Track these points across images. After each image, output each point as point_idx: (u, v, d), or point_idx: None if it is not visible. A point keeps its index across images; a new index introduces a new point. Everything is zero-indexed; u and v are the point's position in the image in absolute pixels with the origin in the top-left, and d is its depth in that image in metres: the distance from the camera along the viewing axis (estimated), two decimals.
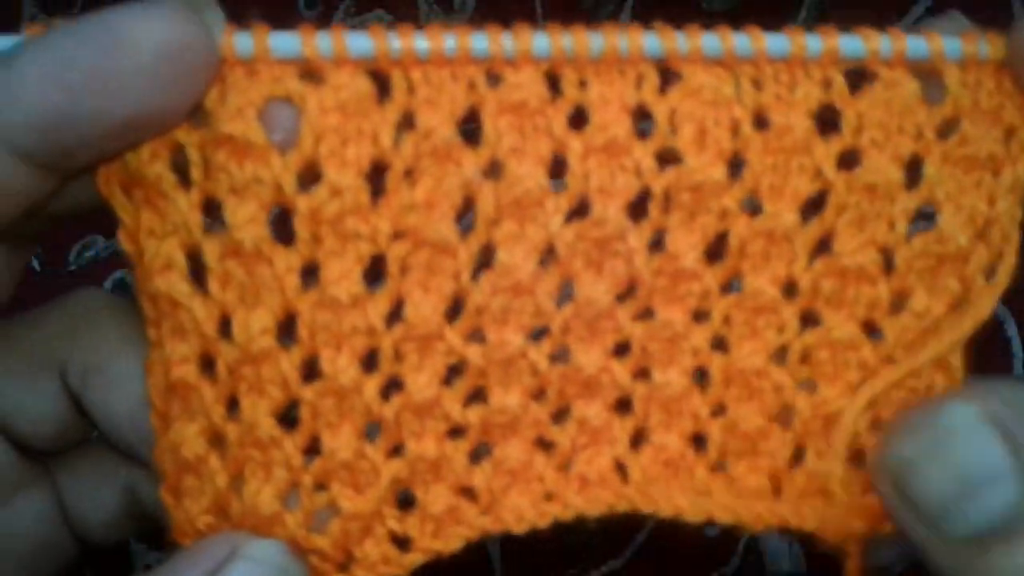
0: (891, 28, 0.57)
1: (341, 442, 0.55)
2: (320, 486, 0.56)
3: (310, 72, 0.52)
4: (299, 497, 0.56)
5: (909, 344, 0.59)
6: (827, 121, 0.58)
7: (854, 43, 0.57)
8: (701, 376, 0.59)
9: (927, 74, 0.58)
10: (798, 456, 0.60)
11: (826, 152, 0.57)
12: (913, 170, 0.58)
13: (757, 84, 0.57)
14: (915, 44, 0.57)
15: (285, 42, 0.52)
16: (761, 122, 0.57)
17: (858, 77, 0.58)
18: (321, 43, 0.52)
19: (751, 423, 0.59)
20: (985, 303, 0.58)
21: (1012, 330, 0.77)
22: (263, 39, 0.52)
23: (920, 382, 0.59)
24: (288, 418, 0.55)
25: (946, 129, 0.58)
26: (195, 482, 0.55)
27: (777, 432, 0.60)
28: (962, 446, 0.52)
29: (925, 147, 0.58)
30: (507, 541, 0.68)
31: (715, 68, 0.56)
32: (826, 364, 0.59)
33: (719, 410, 0.60)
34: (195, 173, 0.52)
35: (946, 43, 0.57)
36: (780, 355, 0.60)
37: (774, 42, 0.56)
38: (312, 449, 0.56)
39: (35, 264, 0.68)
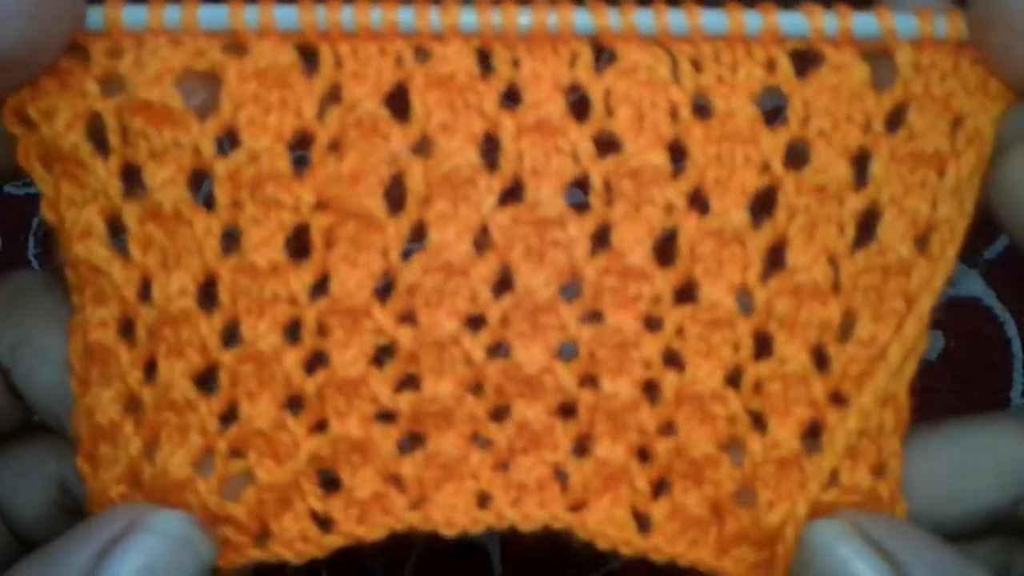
0: (839, 4, 0.55)
1: (259, 410, 0.54)
2: (236, 453, 0.55)
3: (236, 43, 0.53)
4: (214, 463, 0.54)
5: (857, 377, 0.56)
6: (772, 107, 0.56)
7: (797, 20, 0.55)
8: (651, 389, 0.57)
9: (878, 55, 0.56)
10: (744, 494, 0.57)
11: (773, 143, 0.55)
12: (861, 165, 0.56)
13: (696, 64, 0.55)
14: (864, 21, 0.55)
15: (212, 14, 0.53)
16: (702, 107, 0.56)
17: (807, 58, 0.56)
18: (248, 14, 0.53)
19: (700, 449, 0.56)
20: (910, 327, 0.55)
21: (1012, 330, 0.74)
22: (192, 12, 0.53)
23: (870, 423, 0.56)
24: (207, 385, 0.55)
25: (895, 119, 0.56)
26: (109, 450, 0.54)
27: (726, 463, 0.56)
28: None
29: (873, 140, 0.55)
30: (507, 541, 0.69)
31: (652, 47, 0.55)
32: (777, 397, 0.56)
33: (667, 428, 0.57)
34: (113, 139, 0.53)
35: (898, 20, 0.55)
36: (733, 375, 0.57)
37: (711, 19, 0.55)
38: (231, 416, 0.55)
39: (35, 264, 0.70)
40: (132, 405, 0.54)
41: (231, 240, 0.54)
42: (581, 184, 0.56)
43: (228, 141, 0.54)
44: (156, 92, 0.52)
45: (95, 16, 0.52)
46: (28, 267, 0.61)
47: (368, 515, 0.55)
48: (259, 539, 0.55)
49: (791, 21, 0.55)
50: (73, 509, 0.62)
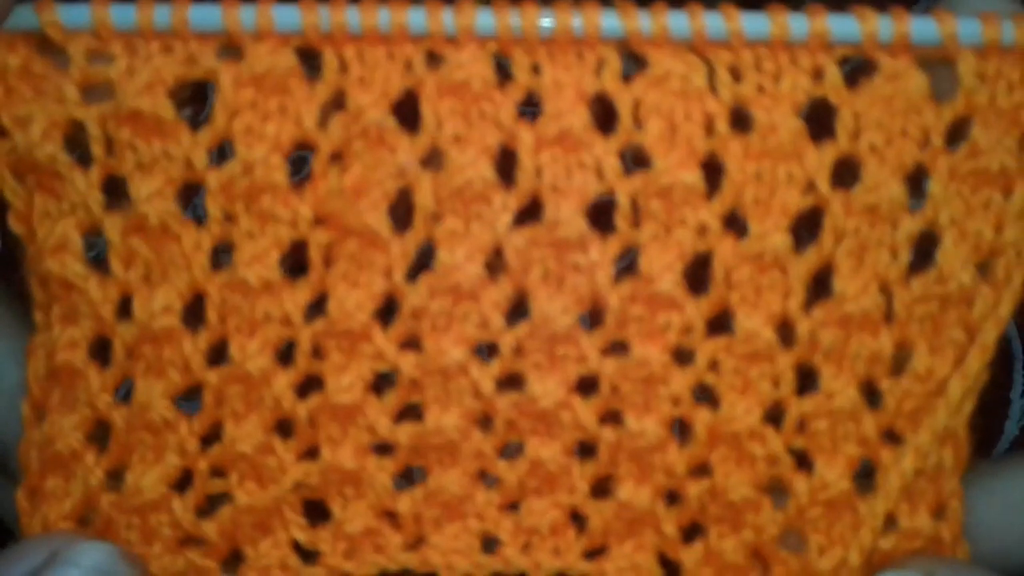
0: (894, 7, 0.51)
1: (244, 432, 0.52)
2: (217, 474, 0.53)
3: (232, 46, 0.50)
4: (192, 483, 0.52)
5: (912, 413, 0.53)
6: (818, 120, 0.52)
7: (848, 24, 0.50)
8: (681, 429, 0.53)
9: (937, 64, 0.51)
10: (790, 539, 0.53)
11: (818, 160, 0.51)
12: (916, 183, 0.52)
13: (735, 73, 0.51)
14: (922, 26, 0.50)
15: (205, 14, 0.50)
16: (741, 119, 0.52)
17: (857, 68, 0.52)
18: (244, 15, 0.49)
19: (738, 492, 0.53)
20: (972, 360, 0.52)
21: (1012, 330, 0.73)
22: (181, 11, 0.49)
23: (928, 462, 0.52)
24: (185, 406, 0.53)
25: (956, 133, 0.52)
26: (60, 483, 0.52)
27: (767, 507, 0.53)
28: None
29: (931, 157, 0.52)
30: None
31: (686, 53, 0.51)
32: (823, 436, 0.53)
33: (699, 470, 0.53)
34: (96, 149, 0.50)
35: (961, 25, 0.50)
36: (773, 412, 0.53)
37: (752, 23, 0.50)
38: (213, 437, 0.53)
39: None
40: (96, 433, 0.52)
41: (222, 256, 0.51)
42: (605, 202, 0.51)
43: (221, 152, 0.51)
44: (147, 102, 0.49)
45: (74, 14, 0.49)
46: None
47: (358, 551, 0.53)
48: (227, 564, 0.53)
49: (841, 25, 0.51)
50: None
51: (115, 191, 0.51)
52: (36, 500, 0.52)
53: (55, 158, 0.50)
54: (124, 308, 0.52)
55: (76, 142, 0.50)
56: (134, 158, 0.50)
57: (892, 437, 0.53)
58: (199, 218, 0.51)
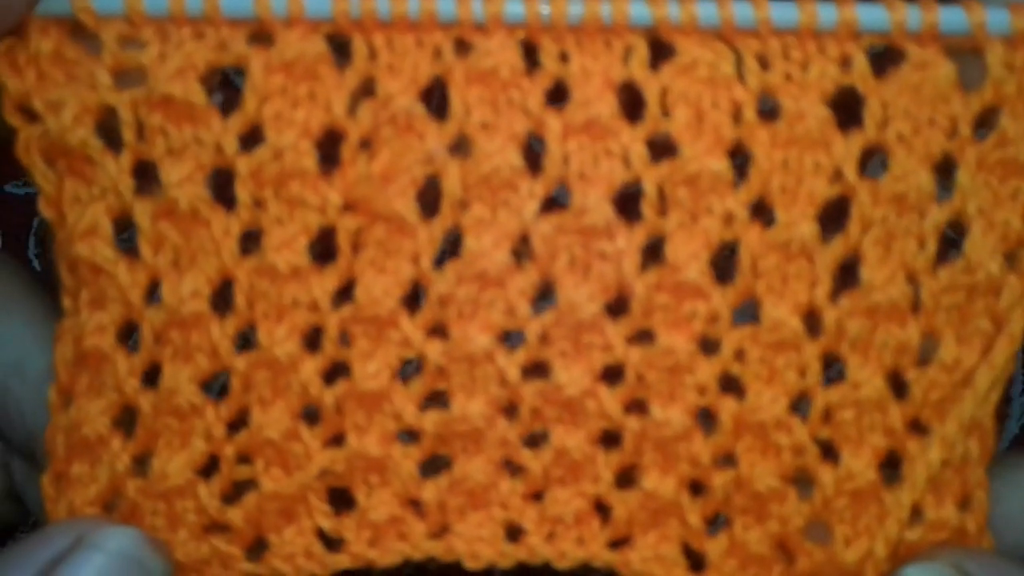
0: None
1: (271, 418, 0.52)
2: (243, 460, 0.52)
3: (262, 33, 0.50)
4: (218, 469, 0.52)
5: (938, 403, 0.52)
6: (846, 107, 0.51)
7: (876, 14, 0.50)
8: (706, 418, 0.53)
9: (965, 53, 0.51)
10: (815, 530, 0.53)
11: (846, 149, 0.51)
12: (944, 173, 0.52)
13: (763, 61, 0.51)
14: (950, 16, 0.50)
15: (236, 1, 0.50)
16: (768, 108, 0.51)
17: (883, 56, 0.51)
18: (276, 2, 0.50)
19: (763, 482, 0.52)
20: (999, 350, 0.51)
21: None
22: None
23: (955, 453, 0.52)
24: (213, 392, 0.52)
25: (984, 123, 0.51)
26: (86, 469, 0.51)
27: (793, 497, 0.52)
28: None
29: (959, 146, 0.51)
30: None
31: (714, 41, 0.51)
32: (850, 426, 0.52)
33: (724, 460, 0.53)
34: (127, 134, 0.50)
35: (990, 15, 0.50)
36: (799, 403, 0.53)
37: (780, 11, 0.50)
38: (240, 423, 0.52)
39: (35, 264, 0.68)
40: (122, 418, 0.52)
41: (251, 241, 0.51)
42: (630, 192, 0.51)
43: (252, 138, 0.50)
44: (179, 87, 0.49)
45: (108, 0, 0.49)
46: (28, 266, 0.58)
47: (382, 539, 0.53)
48: (251, 551, 0.53)
49: (869, 14, 0.50)
50: (16, 496, 0.59)
51: (145, 176, 0.51)
52: (62, 486, 0.52)
53: (86, 143, 0.50)
54: (152, 293, 0.51)
55: (107, 127, 0.50)
56: (165, 143, 0.50)
57: (918, 428, 0.52)
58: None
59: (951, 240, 0.52)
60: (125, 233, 0.51)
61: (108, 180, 0.50)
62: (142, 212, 0.51)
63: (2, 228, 0.53)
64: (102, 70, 0.50)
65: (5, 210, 0.55)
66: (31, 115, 0.51)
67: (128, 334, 0.52)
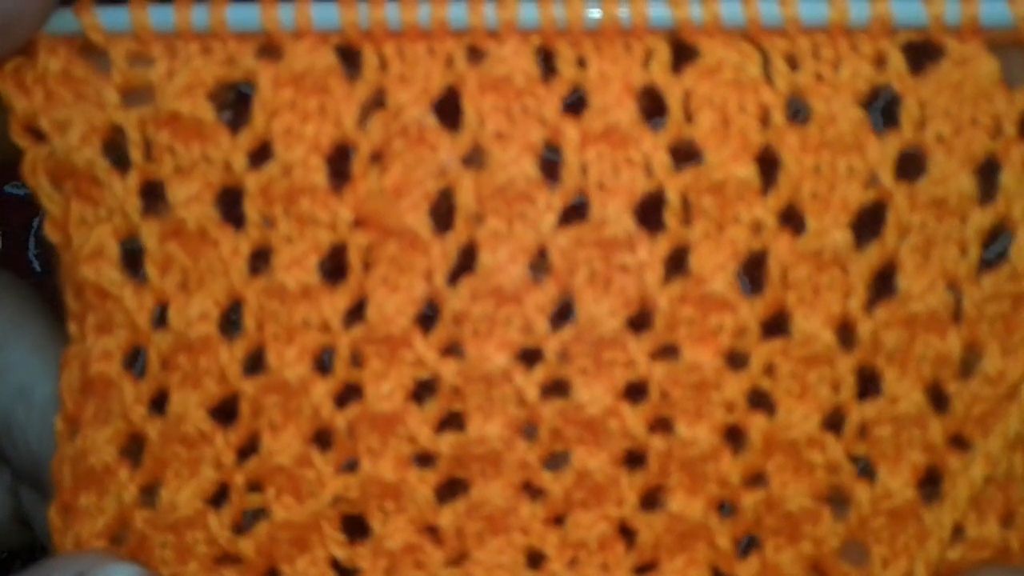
0: None
1: (282, 444, 0.51)
2: (253, 488, 0.52)
3: (270, 46, 0.49)
4: (228, 498, 0.51)
5: (981, 418, 0.50)
6: (881, 109, 0.50)
7: (912, 7, 0.48)
8: (735, 436, 0.51)
9: (1008, 47, 0.49)
10: (851, 551, 0.51)
11: (881, 152, 0.49)
12: (987, 175, 0.50)
13: (791, 61, 0.49)
14: (992, 8, 0.48)
15: (243, 13, 0.49)
16: (798, 110, 0.50)
17: (921, 52, 0.49)
18: (283, 14, 0.49)
19: (795, 502, 0.51)
20: None
21: None
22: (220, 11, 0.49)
23: (998, 469, 0.50)
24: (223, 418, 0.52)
25: None
26: (93, 500, 0.51)
27: (827, 517, 0.51)
28: None
29: (1004, 147, 0.49)
30: None
31: (739, 42, 0.49)
32: (887, 442, 0.51)
33: (755, 479, 0.51)
34: (135, 154, 0.50)
35: None
36: (833, 419, 0.51)
37: (809, 8, 0.48)
38: (250, 449, 0.51)
39: (35, 265, 0.69)
40: (130, 447, 0.51)
41: (259, 260, 0.50)
42: (653, 201, 0.50)
43: (261, 154, 0.50)
44: (187, 104, 0.49)
45: (113, 16, 0.49)
46: (28, 270, 0.58)
47: (398, 568, 0.52)
48: None
49: (905, 8, 0.48)
50: (24, 521, 0.59)
51: (152, 197, 0.50)
52: (69, 517, 0.51)
53: (93, 163, 0.49)
54: (160, 317, 0.51)
55: (114, 147, 0.50)
56: (173, 162, 0.49)
57: (960, 443, 0.51)
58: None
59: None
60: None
61: (115, 201, 0.50)
62: (149, 233, 0.50)
63: (2, 228, 0.52)
64: (110, 89, 0.49)
65: (5, 210, 0.55)
66: (38, 135, 0.50)
67: (135, 359, 0.51)
